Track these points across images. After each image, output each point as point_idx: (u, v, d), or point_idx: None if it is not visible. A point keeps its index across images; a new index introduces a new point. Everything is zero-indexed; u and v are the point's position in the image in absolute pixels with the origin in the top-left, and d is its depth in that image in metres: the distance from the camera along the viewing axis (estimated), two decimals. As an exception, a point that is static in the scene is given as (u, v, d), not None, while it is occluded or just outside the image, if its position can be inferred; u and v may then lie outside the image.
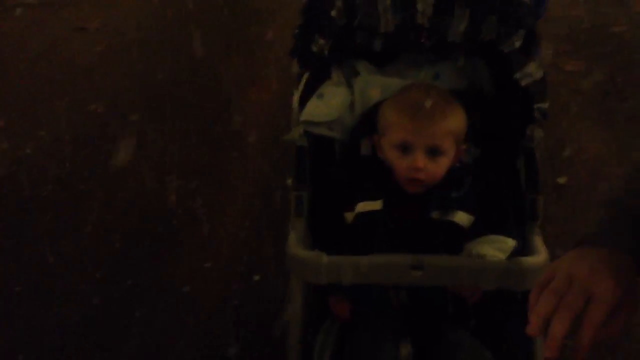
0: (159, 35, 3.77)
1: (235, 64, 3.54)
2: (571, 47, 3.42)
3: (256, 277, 2.39)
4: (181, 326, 2.25)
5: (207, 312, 2.30)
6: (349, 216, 1.58)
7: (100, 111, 3.23)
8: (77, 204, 2.73)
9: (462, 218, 1.54)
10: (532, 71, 1.56)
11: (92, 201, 2.73)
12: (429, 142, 1.51)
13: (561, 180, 2.60)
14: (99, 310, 2.29)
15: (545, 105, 1.59)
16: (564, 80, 3.15)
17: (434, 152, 1.52)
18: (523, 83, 1.57)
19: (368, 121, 1.66)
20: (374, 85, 1.71)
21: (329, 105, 1.67)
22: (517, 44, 1.54)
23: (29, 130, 3.10)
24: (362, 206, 1.56)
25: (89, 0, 4.12)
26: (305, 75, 1.65)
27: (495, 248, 1.49)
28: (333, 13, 1.58)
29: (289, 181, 1.66)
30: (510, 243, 1.50)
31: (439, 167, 1.53)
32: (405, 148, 1.53)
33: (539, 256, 1.46)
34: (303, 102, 1.66)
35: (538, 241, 1.52)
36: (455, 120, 1.55)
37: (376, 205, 1.55)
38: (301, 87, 1.65)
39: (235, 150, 2.98)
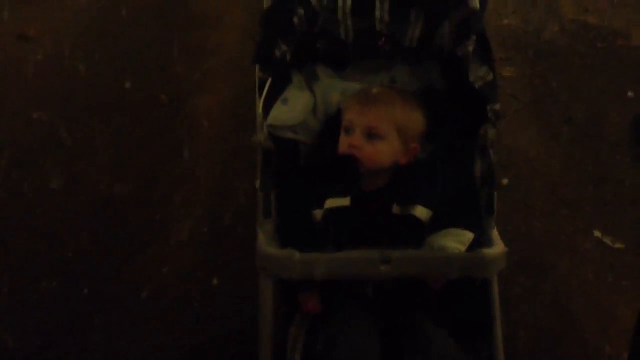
0: (101, 42, 3.75)
1: (181, 69, 3.55)
2: (505, 55, 3.58)
3: (215, 281, 2.42)
4: (141, 332, 2.26)
5: (167, 316, 2.31)
6: (318, 214, 1.65)
7: (45, 119, 3.19)
8: (26, 213, 2.70)
9: (421, 212, 1.63)
10: (484, 74, 1.66)
11: (42, 210, 2.71)
12: (366, 124, 1.63)
13: (504, 181, 2.72)
14: (58, 321, 2.28)
15: (497, 107, 1.69)
16: (501, 86, 3.29)
17: (371, 135, 1.63)
18: (477, 85, 1.66)
19: (333, 124, 1.72)
20: (334, 89, 1.79)
21: (293, 109, 1.74)
22: (471, 48, 1.64)
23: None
24: (331, 202, 1.64)
25: (27, 7, 4.05)
26: (269, 80, 1.70)
27: (456, 240, 1.60)
28: (295, 20, 1.65)
29: (257, 183, 1.70)
30: (469, 235, 1.61)
31: (377, 150, 1.63)
32: (348, 129, 1.65)
33: (498, 247, 1.57)
34: (266, 106, 1.72)
35: (494, 234, 1.63)
36: (402, 112, 1.65)
37: (345, 201, 1.63)
38: (265, 91, 1.70)
39: (186, 156, 3.00)
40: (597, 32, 3.67)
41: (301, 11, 1.65)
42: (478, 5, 1.68)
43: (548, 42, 3.62)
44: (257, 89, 1.73)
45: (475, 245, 1.59)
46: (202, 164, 2.98)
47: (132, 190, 2.80)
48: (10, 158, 2.95)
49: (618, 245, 2.48)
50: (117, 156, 2.98)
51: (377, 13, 1.66)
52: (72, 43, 3.76)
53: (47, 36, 3.79)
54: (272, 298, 1.59)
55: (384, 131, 1.64)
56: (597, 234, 2.51)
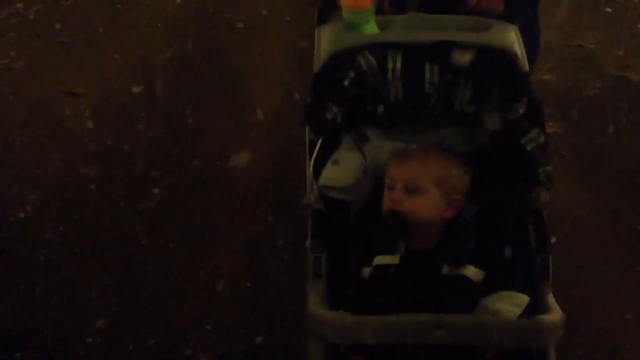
0: (145, 100, 3.82)
1: (221, 126, 3.60)
2: (546, 111, 3.57)
3: (259, 339, 2.40)
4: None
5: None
6: (366, 271, 1.67)
7: (92, 175, 3.24)
8: (76, 272, 2.71)
9: (472, 273, 1.62)
10: (535, 136, 1.66)
11: (87, 267, 2.73)
12: (406, 178, 1.65)
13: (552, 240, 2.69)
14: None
15: (549, 169, 1.68)
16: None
17: (410, 190, 1.65)
18: (528, 148, 1.66)
19: (383, 184, 1.73)
20: (384, 150, 1.81)
21: (344, 171, 1.76)
22: (521, 111, 1.64)
23: (21, 194, 3.10)
24: (380, 259, 1.65)
25: (74, 64, 4.17)
26: (320, 141, 1.74)
27: (510, 303, 1.57)
28: (345, 83, 1.67)
29: (307, 243, 1.71)
30: (524, 298, 1.58)
31: (417, 205, 1.65)
32: (390, 186, 1.67)
33: (556, 314, 1.53)
34: (317, 167, 1.75)
35: (551, 299, 1.60)
36: (439, 166, 1.67)
37: (394, 259, 1.64)
38: (316, 152, 1.73)
39: (225, 212, 3.02)
40: (639, 88, 3.66)
41: (352, 73, 1.67)
42: (527, 68, 1.68)
43: (589, 97, 3.61)
44: (307, 150, 1.74)
45: (530, 311, 1.56)
46: (241, 220, 2.99)
47: (173, 241, 2.82)
48: (58, 214, 3.00)
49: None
50: (157, 209, 3.00)
51: (427, 75, 1.67)
52: (116, 101, 3.85)
53: (92, 93, 3.89)
54: (322, 360, 1.57)
55: (421, 185, 1.66)
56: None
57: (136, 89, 3.93)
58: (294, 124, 3.56)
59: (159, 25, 4.64)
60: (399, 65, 1.66)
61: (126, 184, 3.16)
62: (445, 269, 1.62)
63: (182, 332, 2.45)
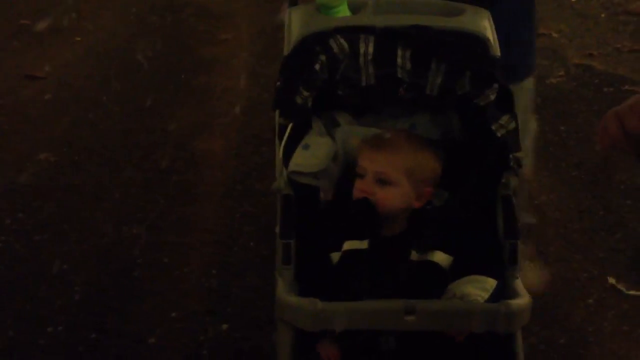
0: (106, 85, 3.77)
1: (188, 113, 3.56)
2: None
3: (224, 326, 2.38)
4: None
5: (176, 362, 2.27)
6: (335, 256, 1.65)
7: (52, 160, 3.18)
8: (32, 256, 2.66)
9: (440, 258, 1.62)
10: (505, 122, 1.64)
11: (48, 253, 2.68)
12: (377, 169, 1.64)
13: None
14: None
15: (519, 154, 1.67)
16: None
17: (382, 180, 1.64)
18: (499, 134, 1.65)
19: (353, 170, 1.72)
20: (354, 135, 1.78)
21: (315, 155, 1.74)
22: (492, 97, 1.63)
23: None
24: (349, 244, 1.64)
25: (35, 49, 4.08)
26: (290, 125, 1.70)
27: (478, 287, 1.57)
28: (317, 67, 1.64)
29: (276, 229, 1.68)
30: (491, 282, 1.58)
31: (388, 195, 1.64)
32: (361, 175, 1.67)
33: (524, 298, 1.53)
34: (287, 152, 1.72)
35: (519, 284, 1.59)
36: (410, 157, 1.66)
37: (362, 244, 1.63)
38: (285, 136, 1.70)
39: (192, 200, 2.99)
40: (602, 77, 3.70)
41: (323, 57, 1.64)
42: (499, 53, 1.67)
43: (554, 85, 3.64)
44: (276, 135, 1.72)
45: (498, 295, 1.56)
46: (210, 206, 2.97)
47: (140, 234, 2.77)
48: (19, 200, 2.93)
49: (632, 292, 2.46)
50: (124, 200, 2.96)
51: (399, 60, 1.65)
52: (79, 84, 3.78)
53: (53, 78, 3.82)
54: (291, 347, 1.56)
55: (392, 177, 1.65)
56: (611, 280, 2.48)
57: (98, 74, 3.87)
58: (263, 111, 3.56)
59: (121, 11, 4.59)
60: (370, 49, 1.64)
61: (88, 171, 3.12)
62: (414, 255, 1.62)
63: (147, 320, 2.41)
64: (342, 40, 1.63)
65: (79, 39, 4.21)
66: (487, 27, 1.69)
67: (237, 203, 2.97)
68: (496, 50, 1.67)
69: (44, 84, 3.75)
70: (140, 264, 2.63)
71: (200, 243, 2.75)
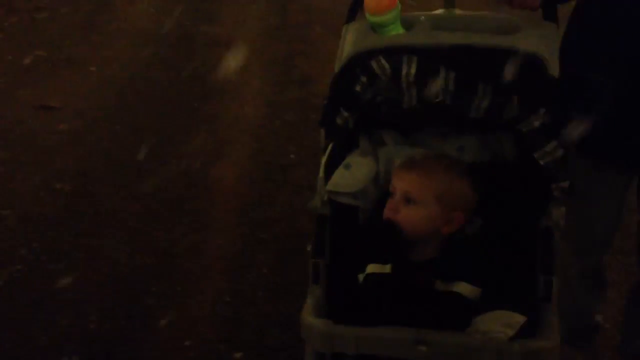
0: (120, 114, 3.81)
1: (199, 141, 3.59)
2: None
3: (238, 354, 2.38)
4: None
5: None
6: (361, 277, 1.64)
7: (67, 190, 3.21)
8: (48, 285, 2.68)
9: (465, 289, 1.58)
10: (552, 150, 1.58)
11: (64, 282, 2.69)
12: (405, 188, 1.64)
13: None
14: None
15: (565, 184, 1.60)
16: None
17: (408, 199, 1.63)
18: (542, 161, 1.59)
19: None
20: (398, 156, 1.77)
21: (354, 176, 1.73)
22: (536, 123, 1.56)
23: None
24: (372, 267, 1.63)
25: (50, 79, 4.14)
26: (330, 145, 1.71)
27: (502, 324, 1.52)
28: (357, 88, 1.62)
29: (308, 248, 1.67)
30: (518, 318, 1.52)
31: (411, 214, 1.63)
32: (392, 194, 1.66)
33: (545, 340, 1.47)
34: (328, 170, 1.71)
35: (553, 322, 1.52)
36: (443, 182, 1.64)
37: (385, 268, 1.61)
38: (326, 156, 1.70)
39: (205, 228, 3.00)
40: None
41: (364, 79, 1.62)
42: (556, 73, 1.59)
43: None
44: (321, 153, 1.72)
45: (529, 332, 1.49)
46: (224, 234, 2.97)
47: (153, 263, 2.79)
48: (33, 229, 2.96)
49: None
50: (138, 229, 2.98)
51: (441, 82, 1.59)
52: (94, 114, 3.82)
53: (68, 108, 3.86)
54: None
55: (419, 196, 1.63)
56: None
57: (112, 104, 3.91)
58: (274, 138, 3.59)
59: (136, 39, 4.65)
60: (413, 71, 1.60)
61: (102, 201, 3.14)
62: (439, 284, 1.58)
63: (161, 348, 2.41)
64: (383, 61, 1.60)
65: (93, 69, 4.26)
66: (545, 44, 1.61)
67: (249, 230, 2.97)
68: (554, 69, 1.59)
69: (58, 114, 3.79)
70: (153, 292, 2.63)
71: (213, 271, 2.76)
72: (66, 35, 4.63)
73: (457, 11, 1.76)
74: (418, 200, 1.63)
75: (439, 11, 1.77)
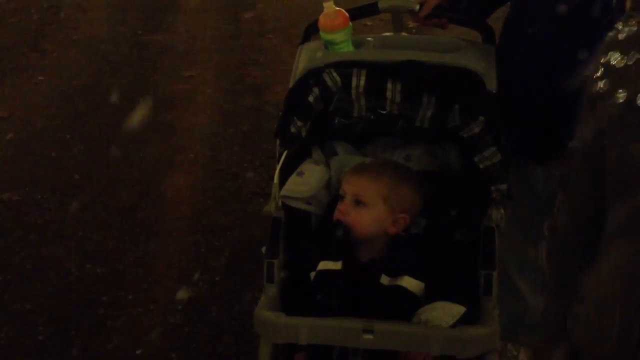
0: (70, 123, 3.76)
1: (151, 149, 3.57)
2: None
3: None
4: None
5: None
6: (312, 275, 1.72)
7: (15, 199, 3.16)
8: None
9: (410, 283, 1.67)
10: (490, 154, 1.70)
11: (11, 293, 2.64)
12: (353, 191, 1.73)
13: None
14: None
15: (503, 187, 1.72)
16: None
17: (358, 202, 1.72)
18: (481, 165, 1.71)
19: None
20: (348, 164, 1.86)
21: (307, 182, 1.82)
22: (476, 129, 1.69)
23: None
24: (323, 264, 1.71)
25: (-1, 87, 4.07)
26: (285, 153, 1.79)
27: (443, 313, 1.61)
28: (310, 98, 1.73)
29: (263, 249, 1.75)
30: (459, 309, 1.62)
31: (360, 216, 1.71)
32: (342, 197, 1.75)
33: (483, 328, 1.57)
34: (282, 177, 1.81)
35: (493, 314, 1.63)
36: (390, 185, 1.73)
37: (336, 265, 1.69)
38: (281, 163, 1.79)
39: (157, 236, 2.98)
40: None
41: (316, 90, 1.72)
42: (493, 88, 1.73)
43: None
44: (277, 160, 1.81)
45: (469, 322, 1.59)
46: (174, 243, 2.96)
47: (104, 272, 2.76)
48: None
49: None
50: (87, 238, 2.94)
51: (388, 94, 1.71)
52: (42, 123, 3.76)
53: (14, 118, 3.80)
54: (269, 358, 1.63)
55: (368, 199, 1.72)
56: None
57: (62, 112, 3.86)
58: (227, 146, 3.58)
59: (86, 48, 4.60)
60: (362, 82, 1.71)
61: (51, 210, 3.10)
62: (384, 279, 1.67)
63: (112, 358, 2.38)
64: (335, 74, 1.71)
65: (42, 78, 4.21)
66: (483, 62, 1.76)
67: (202, 238, 2.97)
68: (492, 84, 1.73)
69: (6, 124, 3.74)
70: (104, 302, 2.61)
71: (165, 279, 2.75)
72: (14, 45, 4.56)
73: (404, 34, 1.93)
74: (367, 202, 1.72)
75: (388, 34, 1.94)
